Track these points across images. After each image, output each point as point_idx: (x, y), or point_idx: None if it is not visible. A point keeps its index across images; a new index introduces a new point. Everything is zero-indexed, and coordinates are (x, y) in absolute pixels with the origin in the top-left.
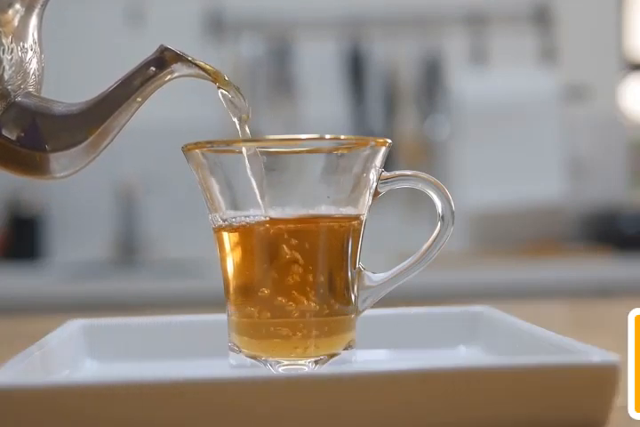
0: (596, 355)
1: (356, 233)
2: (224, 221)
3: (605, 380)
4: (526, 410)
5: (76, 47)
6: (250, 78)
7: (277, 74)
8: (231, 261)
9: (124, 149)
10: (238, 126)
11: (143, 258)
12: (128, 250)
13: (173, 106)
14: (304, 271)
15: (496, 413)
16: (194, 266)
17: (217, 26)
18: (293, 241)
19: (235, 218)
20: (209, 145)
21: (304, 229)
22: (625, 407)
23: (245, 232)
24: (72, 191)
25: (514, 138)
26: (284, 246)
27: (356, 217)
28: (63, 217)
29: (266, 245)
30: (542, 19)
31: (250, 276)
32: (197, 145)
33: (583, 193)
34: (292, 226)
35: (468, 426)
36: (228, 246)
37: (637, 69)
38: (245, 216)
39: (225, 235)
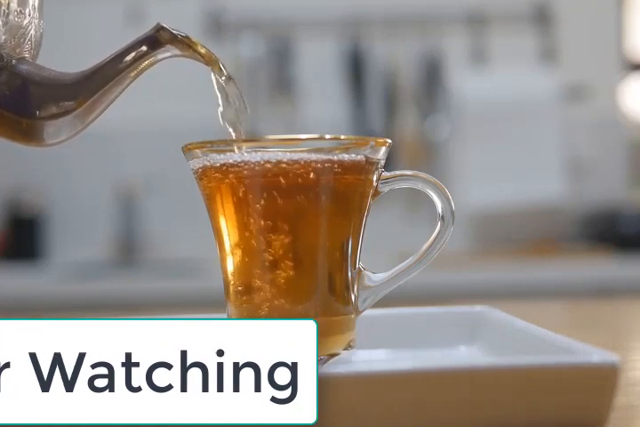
0: (595, 355)
1: (355, 232)
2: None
3: (605, 380)
4: (526, 410)
5: (76, 47)
6: (250, 78)
7: (277, 74)
8: (231, 261)
9: (125, 149)
10: (221, 119)
11: (143, 258)
12: (128, 250)
13: (174, 106)
14: (304, 271)
15: (496, 413)
16: (194, 266)
17: (217, 26)
18: (290, 237)
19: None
20: (209, 145)
21: (304, 227)
22: (625, 407)
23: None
24: (72, 191)
25: (514, 138)
26: (283, 242)
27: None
28: (63, 217)
29: (265, 240)
30: (542, 19)
31: (250, 275)
32: (197, 145)
33: (583, 193)
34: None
35: (468, 426)
36: (227, 245)
37: (637, 69)
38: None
39: (225, 232)
